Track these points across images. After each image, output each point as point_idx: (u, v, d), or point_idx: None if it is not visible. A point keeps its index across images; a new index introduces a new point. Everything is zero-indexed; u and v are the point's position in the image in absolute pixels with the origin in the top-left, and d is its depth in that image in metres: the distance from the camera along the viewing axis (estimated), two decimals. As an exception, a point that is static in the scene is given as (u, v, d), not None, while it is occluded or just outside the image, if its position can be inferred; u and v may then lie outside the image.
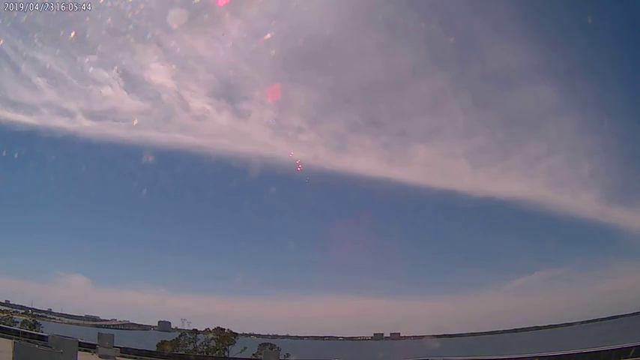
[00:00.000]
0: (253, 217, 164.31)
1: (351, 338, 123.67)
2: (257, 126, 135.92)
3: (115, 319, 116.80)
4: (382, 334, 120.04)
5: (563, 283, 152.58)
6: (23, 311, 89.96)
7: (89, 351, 41.41)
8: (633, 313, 79.84)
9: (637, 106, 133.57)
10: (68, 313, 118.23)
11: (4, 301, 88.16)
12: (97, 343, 43.18)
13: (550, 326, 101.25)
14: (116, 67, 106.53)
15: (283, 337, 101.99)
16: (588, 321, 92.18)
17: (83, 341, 44.93)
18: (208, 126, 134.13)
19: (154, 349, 55.16)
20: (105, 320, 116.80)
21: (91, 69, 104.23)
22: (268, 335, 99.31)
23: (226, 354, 54.78)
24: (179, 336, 58.91)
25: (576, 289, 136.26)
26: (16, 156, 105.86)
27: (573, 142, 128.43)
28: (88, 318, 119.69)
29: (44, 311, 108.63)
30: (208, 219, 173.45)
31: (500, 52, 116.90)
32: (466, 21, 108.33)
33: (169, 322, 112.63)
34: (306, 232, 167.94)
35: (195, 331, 60.79)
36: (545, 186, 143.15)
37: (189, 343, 56.14)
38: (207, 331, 60.37)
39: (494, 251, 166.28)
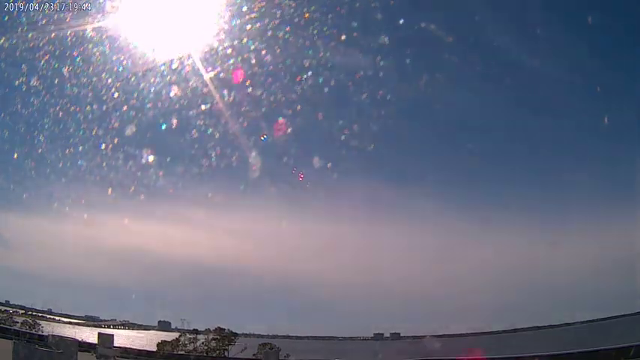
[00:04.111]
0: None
1: (351, 338, 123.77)
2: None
3: (115, 319, 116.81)
4: (382, 334, 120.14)
5: None
6: (23, 311, 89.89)
7: (89, 351, 41.40)
8: (633, 313, 79.68)
9: None
10: (68, 313, 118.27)
11: (4, 301, 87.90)
12: (97, 343, 43.17)
13: (550, 326, 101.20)
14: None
15: (283, 337, 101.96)
16: (588, 321, 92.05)
17: (83, 341, 44.99)
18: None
19: (154, 349, 55.34)
20: (105, 320, 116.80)
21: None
22: (268, 335, 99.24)
23: (226, 354, 54.85)
24: (179, 336, 58.98)
25: None
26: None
27: None
28: (88, 318, 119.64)
29: (44, 311, 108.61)
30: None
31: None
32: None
33: (169, 322, 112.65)
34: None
35: (195, 331, 60.85)
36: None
37: (190, 343, 56.22)
38: (207, 331, 60.48)
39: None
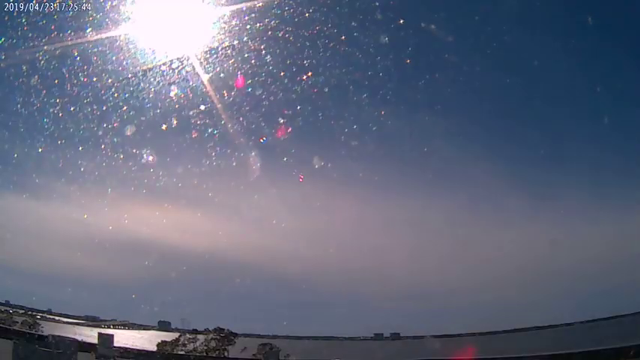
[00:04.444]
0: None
1: (351, 338, 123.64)
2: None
3: (115, 319, 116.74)
4: (382, 334, 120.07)
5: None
6: (23, 311, 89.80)
7: (89, 351, 41.40)
8: (633, 313, 79.67)
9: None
10: (68, 313, 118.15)
11: (4, 301, 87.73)
12: (97, 343, 43.18)
13: (550, 326, 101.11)
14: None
15: (283, 337, 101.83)
16: (588, 321, 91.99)
17: (83, 341, 44.97)
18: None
19: (154, 349, 55.32)
20: (105, 320, 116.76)
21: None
22: (268, 335, 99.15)
23: (226, 354, 54.85)
24: (179, 336, 58.95)
25: None
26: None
27: None
28: (88, 318, 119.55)
29: (44, 311, 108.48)
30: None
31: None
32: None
33: (169, 322, 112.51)
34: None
35: (195, 331, 60.85)
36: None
37: (189, 343, 56.22)
38: (207, 331, 60.43)
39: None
